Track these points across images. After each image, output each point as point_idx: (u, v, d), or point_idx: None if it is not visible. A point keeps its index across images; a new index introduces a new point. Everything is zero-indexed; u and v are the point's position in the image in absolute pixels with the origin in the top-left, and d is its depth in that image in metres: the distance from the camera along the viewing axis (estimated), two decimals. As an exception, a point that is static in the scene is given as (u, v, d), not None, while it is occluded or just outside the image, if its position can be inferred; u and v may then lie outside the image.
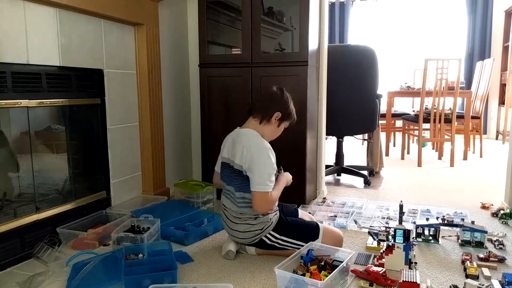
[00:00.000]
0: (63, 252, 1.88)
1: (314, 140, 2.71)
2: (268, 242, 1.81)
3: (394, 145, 5.14)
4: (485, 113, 5.65)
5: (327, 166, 3.15)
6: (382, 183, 3.29)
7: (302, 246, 1.75)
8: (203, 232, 2.12)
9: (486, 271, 1.67)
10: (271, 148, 1.80)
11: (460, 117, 4.11)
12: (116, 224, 2.06)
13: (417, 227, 2.05)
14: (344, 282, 1.60)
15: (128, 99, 2.51)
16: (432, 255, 1.88)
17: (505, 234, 2.10)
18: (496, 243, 1.95)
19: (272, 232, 1.81)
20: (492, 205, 2.56)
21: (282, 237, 1.81)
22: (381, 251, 1.79)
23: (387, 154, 4.44)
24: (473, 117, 4.32)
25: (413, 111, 4.52)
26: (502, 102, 5.59)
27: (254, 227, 1.79)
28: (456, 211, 2.45)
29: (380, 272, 1.58)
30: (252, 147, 1.76)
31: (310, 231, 1.84)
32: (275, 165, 1.78)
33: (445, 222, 2.20)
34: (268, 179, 1.73)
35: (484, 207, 2.56)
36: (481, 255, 1.80)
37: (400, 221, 1.72)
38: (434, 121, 3.93)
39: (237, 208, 1.81)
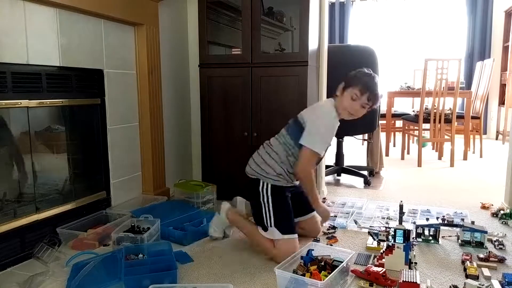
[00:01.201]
0: (63, 252, 1.88)
1: (314, 140, 2.71)
2: (257, 196, 1.87)
3: (394, 145, 5.14)
4: (485, 113, 5.65)
5: (327, 166, 3.15)
6: (382, 183, 3.29)
7: (270, 227, 1.82)
8: (202, 232, 2.12)
9: (486, 271, 1.67)
10: (336, 118, 1.89)
11: (460, 117, 4.11)
12: (116, 224, 2.06)
13: (417, 227, 2.05)
14: (344, 282, 1.60)
15: (128, 99, 2.51)
16: (432, 255, 1.88)
17: (505, 234, 2.10)
18: (496, 243, 1.95)
19: (268, 194, 1.85)
20: (492, 205, 2.56)
21: (270, 205, 1.84)
22: (381, 251, 1.80)
23: (387, 154, 4.44)
24: (473, 117, 4.32)
25: (413, 111, 4.52)
26: (502, 102, 5.59)
27: (267, 167, 1.88)
28: (456, 211, 2.45)
29: (380, 272, 1.58)
30: (319, 109, 1.93)
31: (283, 227, 1.82)
32: (328, 127, 1.87)
33: (445, 222, 2.20)
34: (318, 142, 1.83)
35: (484, 207, 2.56)
36: (481, 255, 1.80)
37: (400, 221, 1.72)
38: (434, 121, 3.93)
39: (277, 144, 1.91)
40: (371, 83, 1.84)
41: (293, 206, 1.91)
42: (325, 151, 1.99)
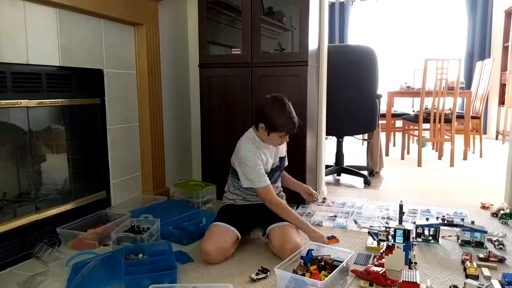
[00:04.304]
0: (63, 252, 1.88)
1: (314, 140, 2.71)
2: None
3: (394, 145, 5.14)
4: (485, 113, 5.65)
5: (327, 166, 3.15)
6: (382, 183, 3.29)
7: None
8: (201, 232, 2.12)
9: (486, 271, 1.67)
10: (252, 151, 1.92)
11: (460, 117, 4.11)
12: (116, 224, 2.06)
13: (417, 227, 2.05)
14: (344, 282, 1.60)
15: (128, 99, 2.51)
16: (432, 255, 1.88)
17: (505, 234, 2.10)
18: (496, 243, 1.95)
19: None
20: (492, 205, 2.56)
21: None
22: (381, 251, 1.79)
23: (387, 154, 4.44)
24: (473, 117, 4.32)
25: (413, 111, 4.52)
26: (502, 102, 5.58)
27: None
28: (456, 211, 2.45)
29: (380, 272, 1.58)
30: (239, 152, 1.95)
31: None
32: (253, 166, 1.90)
33: (445, 222, 2.20)
34: (256, 178, 1.91)
35: (484, 207, 2.56)
36: (481, 255, 1.80)
37: (400, 221, 1.72)
38: (434, 121, 3.93)
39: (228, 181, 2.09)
40: (291, 121, 1.88)
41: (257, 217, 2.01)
42: (273, 170, 2.06)
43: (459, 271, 1.70)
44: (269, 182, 1.94)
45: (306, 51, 2.43)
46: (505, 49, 5.51)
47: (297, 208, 2.52)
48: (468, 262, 1.73)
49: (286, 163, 2.19)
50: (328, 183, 3.21)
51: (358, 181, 3.30)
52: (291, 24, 2.94)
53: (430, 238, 2.02)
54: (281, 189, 2.20)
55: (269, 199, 1.93)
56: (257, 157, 1.92)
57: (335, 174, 3.49)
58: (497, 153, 4.62)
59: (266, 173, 1.97)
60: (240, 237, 1.91)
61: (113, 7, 2.24)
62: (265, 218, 1.96)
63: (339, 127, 3.24)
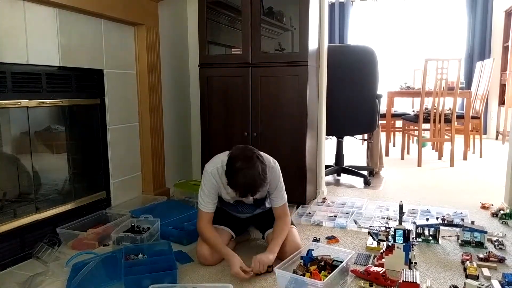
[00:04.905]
0: (63, 252, 1.88)
1: (314, 140, 2.71)
2: None
3: (394, 145, 5.14)
4: (485, 113, 5.65)
5: (327, 166, 3.15)
6: (382, 183, 3.29)
7: None
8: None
9: (486, 271, 1.67)
10: (211, 176, 1.75)
11: (460, 117, 4.11)
12: (116, 224, 2.06)
13: (417, 227, 2.05)
14: (344, 282, 1.60)
15: (128, 99, 2.51)
16: (432, 255, 1.88)
17: (505, 234, 2.10)
18: (496, 243, 1.95)
19: None
20: (492, 205, 2.56)
21: None
22: (381, 251, 1.79)
23: (387, 154, 4.44)
24: (473, 117, 4.32)
25: (413, 111, 4.52)
26: (502, 102, 5.58)
27: None
28: (456, 211, 2.45)
29: (380, 272, 1.58)
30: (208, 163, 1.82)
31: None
32: (205, 188, 1.76)
33: (445, 222, 2.20)
34: (201, 200, 1.78)
35: (484, 207, 2.56)
36: (481, 255, 1.80)
37: (400, 221, 1.72)
38: (434, 121, 3.93)
39: None
40: (243, 189, 1.62)
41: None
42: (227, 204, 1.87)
43: (459, 271, 1.70)
44: (211, 211, 1.78)
45: (306, 51, 2.43)
46: (505, 49, 5.51)
47: (297, 208, 2.52)
48: (468, 262, 1.73)
49: (278, 204, 1.84)
50: (328, 183, 3.21)
51: (358, 181, 3.30)
52: (291, 24, 2.93)
53: (430, 238, 2.02)
54: None
55: (197, 222, 1.81)
56: (215, 184, 1.76)
57: (335, 174, 3.49)
58: (497, 153, 4.62)
59: (238, 202, 1.83)
60: (234, 236, 1.90)
61: (113, 7, 2.24)
62: (261, 224, 1.95)
63: (339, 127, 3.24)
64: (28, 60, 1.83)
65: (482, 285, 1.49)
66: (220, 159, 1.75)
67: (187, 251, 1.93)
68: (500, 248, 1.92)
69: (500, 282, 1.56)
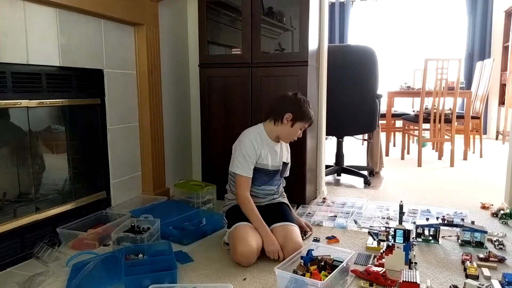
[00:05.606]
0: (63, 252, 1.88)
1: (314, 140, 2.71)
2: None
3: (394, 145, 5.14)
4: (485, 113, 5.65)
5: (327, 166, 3.15)
6: (382, 183, 3.29)
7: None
8: (202, 232, 2.12)
9: (486, 271, 1.67)
10: (255, 142, 1.94)
11: (460, 117, 4.11)
12: (116, 224, 2.06)
13: (417, 227, 2.05)
14: (344, 282, 1.60)
15: (128, 99, 2.51)
16: (432, 255, 1.88)
17: (505, 234, 2.10)
18: (496, 243, 1.95)
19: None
20: (492, 205, 2.56)
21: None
22: (381, 251, 1.80)
23: (387, 154, 4.44)
24: (473, 117, 4.32)
25: (413, 111, 4.52)
26: (502, 102, 5.59)
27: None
28: (456, 211, 2.45)
29: (380, 272, 1.58)
30: (241, 137, 2.00)
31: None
32: (245, 154, 1.92)
33: (445, 222, 2.20)
34: (239, 166, 1.92)
35: (484, 207, 2.56)
36: (481, 255, 1.80)
37: (400, 221, 1.72)
38: (434, 121, 3.93)
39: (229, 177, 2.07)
40: (311, 114, 2.02)
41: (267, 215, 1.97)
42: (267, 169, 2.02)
43: (459, 271, 1.70)
44: (251, 176, 1.95)
45: (306, 51, 2.43)
46: (505, 49, 5.51)
47: (297, 208, 2.52)
48: (468, 262, 1.73)
49: (287, 173, 2.19)
50: (328, 183, 3.21)
51: (358, 181, 3.30)
52: (291, 24, 2.93)
53: (430, 238, 2.02)
54: (282, 189, 2.19)
55: (237, 191, 1.93)
56: (255, 149, 1.94)
57: (335, 174, 3.49)
58: (497, 153, 4.62)
59: (266, 171, 1.98)
60: None
61: (113, 7, 2.24)
62: (268, 217, 1.95)
63: (339, 127, 3.24)
64: (28, 60, 1.83)
65: (482, 285, 1.48)
66: (254, 130, 2.00)
67: (187, 251, 1.93)
68: (500, 248, 1.92)
69: (500, 282, 1.56)
